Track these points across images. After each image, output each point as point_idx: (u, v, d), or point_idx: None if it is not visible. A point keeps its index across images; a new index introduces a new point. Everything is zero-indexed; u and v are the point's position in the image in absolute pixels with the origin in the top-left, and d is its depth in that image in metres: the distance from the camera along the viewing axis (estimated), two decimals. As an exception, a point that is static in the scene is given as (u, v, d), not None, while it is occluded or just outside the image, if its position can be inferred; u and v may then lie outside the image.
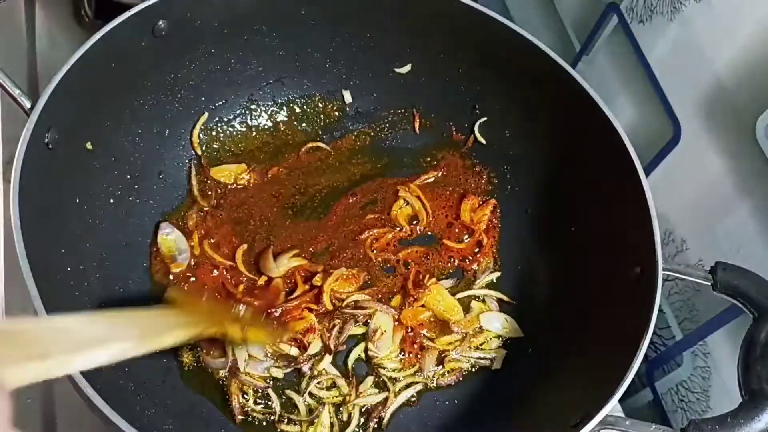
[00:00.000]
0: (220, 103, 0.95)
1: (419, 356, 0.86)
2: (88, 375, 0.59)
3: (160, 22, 0.82)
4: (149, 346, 0.57)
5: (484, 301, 0.91)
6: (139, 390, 0.75)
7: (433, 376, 0.86)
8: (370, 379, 0.84)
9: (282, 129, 0.99)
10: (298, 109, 1.00)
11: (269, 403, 0.81)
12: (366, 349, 0.85)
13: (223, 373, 0.80)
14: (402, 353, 0.86)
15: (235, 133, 0.97)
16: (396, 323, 0.87)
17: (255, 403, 0.80)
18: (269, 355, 0.81)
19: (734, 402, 0.66)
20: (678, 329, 0.91)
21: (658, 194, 0.78)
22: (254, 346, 0.79)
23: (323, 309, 0.86)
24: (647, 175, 0.87)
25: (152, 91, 0.87)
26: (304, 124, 1.00)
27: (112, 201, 0.84)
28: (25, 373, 0.42)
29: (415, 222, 0.96)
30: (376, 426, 0.81)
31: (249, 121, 0.98)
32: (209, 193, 0.92)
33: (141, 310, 0.62)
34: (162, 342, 0.60)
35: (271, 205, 0.94)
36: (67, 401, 0.80)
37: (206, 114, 0.94)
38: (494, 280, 0.93)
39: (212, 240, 0.89)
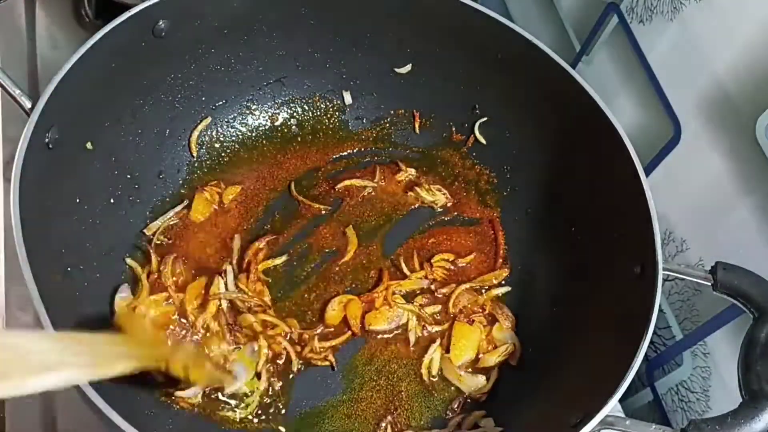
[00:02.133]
0: (221, 103, 0.95)
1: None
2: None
3: (161, 23, 0.82)
4: (98, 374, 0.56)
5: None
6: (139, 390, 0.75)
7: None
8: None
9: (282, 129, 0.99)
10: (298, 110, 1.00)
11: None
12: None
13: (196, 400, 0.78)
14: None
15: (235, 133, 0.97)
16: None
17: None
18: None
19: (734, 402, 0.66)
20: (678, 329, 0.91)
21: (658, 194, 0.78)
22: (194, 385, 0.76)
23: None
24: (647, 175, 0.87)
25: (152, 91, 0.87)
26: (304, 125, 1.00)
27: (112, 201, 0.84)
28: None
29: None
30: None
31: (249, 122, 0.98)
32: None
33: (89, 335, 0.60)
34: (111, 371, 0.58)
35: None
36: (67, 401, 0.80)
37: (209, 118, 0.94)
38: (501, 294, 0.92)
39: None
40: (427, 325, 0.87)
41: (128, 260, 0.84)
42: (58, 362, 0.50)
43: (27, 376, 0.46)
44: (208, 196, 0.91)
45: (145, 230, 0.87)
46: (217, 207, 0.92)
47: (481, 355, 0.86)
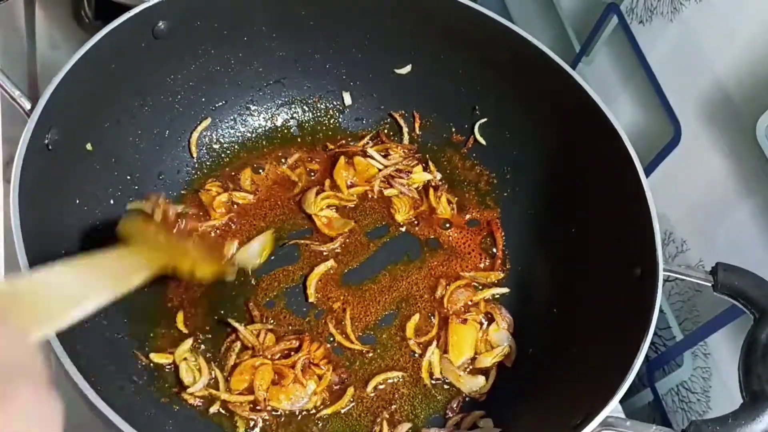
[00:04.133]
0: (220, 104, 0.95)
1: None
2: (89, 375, 0.59)
3: (160, 23, 0.82)
4: (119, 292, 0.59)
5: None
6: (139, 390, 0.75)
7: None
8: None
9: (282, 130, 0.99)
10: (298, 111, 1.00)
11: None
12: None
13: (205, 392, 0.78)
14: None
15: (235, 134, 0.97)
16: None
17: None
18: None
19: (735, 403, 0.66)
20: (678, 330, 0.91)
21: (659, 195, 0.78)
22: (201, 278, 0.77)
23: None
24: (647, 175, 0.87)
25: (152, 92, 0.87)
26: (304, 125, 1.00)
27: (112, 201, 0.84)
28: (40, 330, 0.46)
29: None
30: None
31: (249, 123, 0.98)
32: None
33: (99, 256, 0.62)
34: (129, 285, 0.62)
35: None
36: (67, 401, 0.79)
37: (209, 119, 0.94)
38: (496, 296, 0.91)
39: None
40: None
41: None
42: (85, 291, 0.54)
43: (66, 311, 0.49)
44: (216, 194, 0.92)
45: None
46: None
47: (477, 356, 0.86)
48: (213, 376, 0.79)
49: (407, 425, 0.80)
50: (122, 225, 0.73)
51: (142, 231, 0.73)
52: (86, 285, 0.55)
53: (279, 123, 0.99)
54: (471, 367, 0.86)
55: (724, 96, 0.81)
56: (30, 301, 0.46)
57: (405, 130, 1.00)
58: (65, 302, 0.51)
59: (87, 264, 0.59)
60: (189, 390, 0.77)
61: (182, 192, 0.92)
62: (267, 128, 0.99)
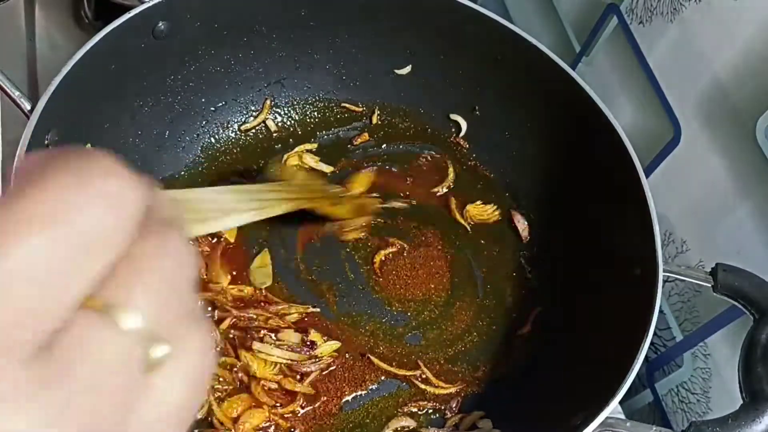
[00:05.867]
0: (220, 104, 0.95)
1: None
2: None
3: (160, 24, 0.82)
4: (266, 214, 0.66)
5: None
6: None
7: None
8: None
9: (282, 130, 0.99)
10: (298, 110, 1.00)
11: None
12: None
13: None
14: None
15: (234, 134, 0.97)
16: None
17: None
18: None
19: (735, 403, 0.66)
20: (678, 330, 0.91)
21: (658, 195, 0.78)
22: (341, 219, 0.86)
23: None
24: (647, 175, 0.87)
25: (152, 93, 0.87)
26: (304, 125, 1.00)
27: (111, 202, 0.84)
28: (201, 228, 0.52)
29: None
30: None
31: (249, 123, 0.98)
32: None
33: (257, 186, 0.72)
34: (275, 211, 0.68)
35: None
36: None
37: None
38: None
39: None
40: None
41: None
42: (237, 208, 0.60)
43: (221, 218, 0.55)
44: None
45: None
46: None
47: None
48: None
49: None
50: (282, 169, 0.84)
51: (292, 174, 0.84)
52: (237, 205, 0.60)
53: (279, 122, 0.99)
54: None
55: (724, 96, 0.81)
56: (189, 207, 0.50)
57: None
58: (218, 212, 0.56)
59: (238, 189, 0.65)
60: None
61: (182, 192, 0.92)
62: (267, 128, 0.99)
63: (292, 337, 0.80)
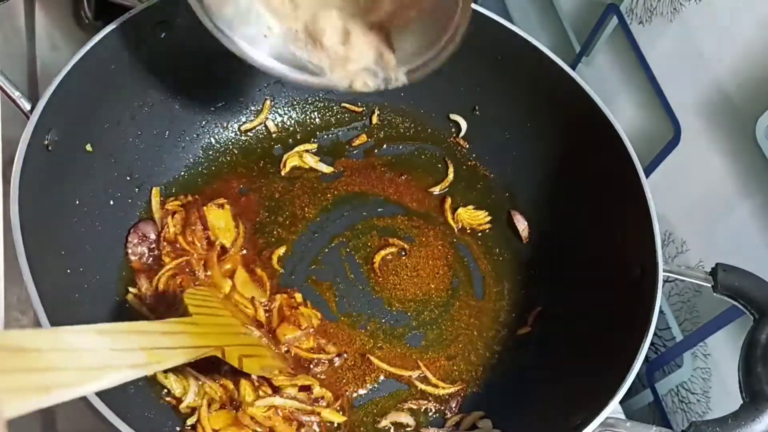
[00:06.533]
0: (220, 104, 0.95)
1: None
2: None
3: (160, 24, 0.82)
4: (153, 370, 0.53)
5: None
6: (139, 392, 0.75)
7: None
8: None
9: (282, 131, 0.99)
10: (298, 110, 1.00)
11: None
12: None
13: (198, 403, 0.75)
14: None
15: (234, 134, 0.97)
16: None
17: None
18: None
19: (735, 403, 0.66)
20: (678, 330, 0.91)
21: (658, 195, 0.78)
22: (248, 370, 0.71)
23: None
24: (647, 175, 0.87)
25: (151, 93, 0.87)
26: (304, 126, 1.00)
27: (111, 202, 0.84)
28: (24, 404, 0.38)
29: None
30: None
31: (249, 123, 0.98)
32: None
33: (144, 324, 0.59)
34: (164, 365, 0.56)
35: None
36: (67, 402, 0.80)
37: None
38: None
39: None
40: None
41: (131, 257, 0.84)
42: (111, 363, 0.46)
43: (81, 381, 0.41)
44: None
45: None
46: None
47: None
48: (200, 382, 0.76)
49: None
50: (187, 294, 0.68)
51: (205, 302, 0.68)
52: (111, 355, 0.47)
53: (278, 123, 0.99)
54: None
55: (724, 96, 0.81)
56: (45, 361, 0.38)
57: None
58: (84, 372, 0.43)
59: (122, 329, 0.51)
60: (182, 405, 0.75)
61: (181, 193, 0.92)
62: (266, 128, 0.99)
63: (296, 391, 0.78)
